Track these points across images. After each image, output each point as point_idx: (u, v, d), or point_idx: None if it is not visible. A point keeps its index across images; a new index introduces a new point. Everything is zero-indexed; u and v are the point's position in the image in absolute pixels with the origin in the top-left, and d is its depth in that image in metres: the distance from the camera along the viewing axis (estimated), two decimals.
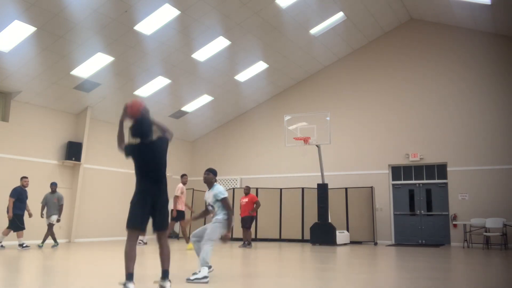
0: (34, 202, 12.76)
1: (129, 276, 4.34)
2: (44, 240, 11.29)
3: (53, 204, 11.40)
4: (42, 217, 11.44)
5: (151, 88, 14.34)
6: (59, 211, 11.46)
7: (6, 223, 12.04)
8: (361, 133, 15.49)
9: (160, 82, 14.21)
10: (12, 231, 10.66)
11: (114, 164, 15.22)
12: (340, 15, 13.68)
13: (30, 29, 10.48)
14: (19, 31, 10.50)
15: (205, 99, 16.04)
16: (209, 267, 5.60)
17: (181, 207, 11.09)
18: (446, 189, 14.05)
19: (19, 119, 12.68)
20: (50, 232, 11.32)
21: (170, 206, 10.44)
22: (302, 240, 14.31)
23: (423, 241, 14.14)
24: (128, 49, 12.15)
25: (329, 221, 13.17)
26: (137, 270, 6.19)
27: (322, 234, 12.79)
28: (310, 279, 5.97)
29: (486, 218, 12.55)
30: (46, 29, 10.57)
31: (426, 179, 14.52)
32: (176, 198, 11.02)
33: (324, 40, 14.71)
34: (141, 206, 4.57)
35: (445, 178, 14.14)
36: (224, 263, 7.86)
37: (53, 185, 11.61)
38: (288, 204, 14.87)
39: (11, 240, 11.15)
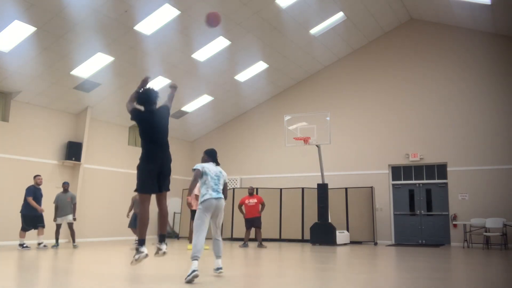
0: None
1: (142, 242, 4.69)
2: (74, 239, 11.25)
3: (66, 203, 11.32)
4: (54, 220, 11.28)
5: None
6: (74, 210, 11.44)
7: (6, 223, 12.06)
8: (361, 133, 15.49)
9: (160, 82, 14.20)
10: (42, 228, 10.67)
11: (114, 164, 15.22)
12: (340, 15, 13.68)
13: (30, 29, 10.48)
14: (19, 31, 10.50)
15: (205, 99, 16.04)
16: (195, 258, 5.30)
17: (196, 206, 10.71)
18: (446, 189, 14.05)
19: (19, 119, 12.68)
20: (72, 231, 11.28)
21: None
22: (302, 240, 14.31)
23: (423, 241, 14.14)
24: (128, 49, 12.15)
25: (329, 221, 13.17)
26: (137, 271, 6.17)
27: (322, 234, 12.79)
28: (310, 279, 5.97)
29: (486, 218, 12.55)
30: (46, 29, 10.57)
31: (426, 179, 14.52)
32: (196, 196, 10.40)
33: (324, 40, 14.71)
34: (149, 171, 4.79)
35: (445, 178, 14.14)
36: (225, 264, 7.86)
37: (65, 184, 11.56)
38: (288, 204, 14.87)
39: (32, 239, 11.08)
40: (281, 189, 15.20)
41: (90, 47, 11.63)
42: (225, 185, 5.87)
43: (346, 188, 14.42)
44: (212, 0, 11.34)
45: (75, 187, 13.82)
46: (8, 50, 10.90)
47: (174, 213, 16.50)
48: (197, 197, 9.89)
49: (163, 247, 4.97)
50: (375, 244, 13.70)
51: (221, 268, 5.73)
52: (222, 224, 5.91)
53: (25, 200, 10.57)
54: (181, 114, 16.45)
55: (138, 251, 4.59)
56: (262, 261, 8.25)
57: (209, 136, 18.56)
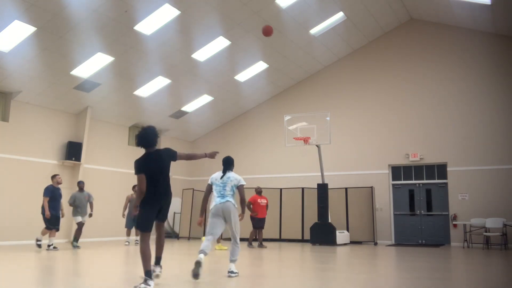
0: (34, 202, 12.76)
1: (148, 273, 4.76)
2: (77, 239, 11.19)
3: (84, 202, 11.30)
4: (81, 219, 11.31)
5: (151, 88, 14.33)
6: (91, 207, 11.57)
7: (6, 223, 12.06)
8: (361, 133, 15.49)
9: (160, 82, 14.21)
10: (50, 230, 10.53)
11: (114, 164, 15.22)
12: (340, 15, 13.68)
13: (30, 29, 10.48)
14: (19, 31, 10.50)
15: (205, 99, 16.03)
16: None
17: None
18: (446, 189, 14.05)
19: (19, 119, 12.67)
20: (80, 231, 11.26)
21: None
22: (302, 240, 14.31)
23: (423, 241, 14.14)
24: (128, 49, 12.15)
25: (329, 221, 13.17)
26: (133, 270, 6.18)
27: (322, 234, 12.79)
28: (310, 279, 5.97)
29: (486, 218, 12.55)
30: (46, 29, 10.57)
31: (426, 179, 14.52)
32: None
33: (324, 40, 14.71)
34: (151, 211, 5.06)
35: (445, 178, 14.14)
36: (224, 263, 7.87)
37: (81, 183, 11.53)
38: (288, 204, 14.87)
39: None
40: (281, 189, 15.19)
41: (90, 47, 11.62)
42: (239, 188, 6.25)
43: (346, 188, 14.42)
44: (212, 0, 11.34)
45: (75, 187, 13.80)
46: (8, 50, 10.90)
47: (174, 213, 16.50)
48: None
49: (157, 269, 5.22)
50: (375, 244, 13.70)
51: (231, 272, 5.94)
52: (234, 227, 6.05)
53: (50, 200, 10.31)
54: (181, 114, 16.45)
55: (146, 282, 4.71)
56: (263, 261, 8.25)
57: (209, 136, 18.56)
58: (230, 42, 13.23)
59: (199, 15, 11.70)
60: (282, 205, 14.92)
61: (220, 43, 13.20)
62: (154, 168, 5.18)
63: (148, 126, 5.47)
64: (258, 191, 12.56)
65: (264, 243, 12.52)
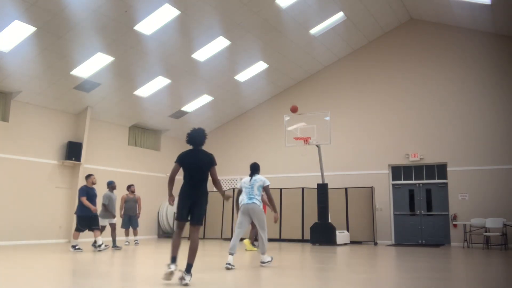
0: (34, 202, 12.77)
1: (173, 259, 5.19)
2: (115, 240, 11.08)
3: (115, 203, 11.32)
4: (122, 219, 11.36)
5: (151, 88, 14.33)
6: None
7: (6, 223, 12.06)
8: (361, 133, 15.49)
9: (160, 82, 14.21)
10: (100, 230, 10.45)
11: (114, 164, 15.22)
12: (340, 15, 13.68)
13: (30, 29, 10.48)
14: (19, 31, 10.50)
15: (205, 99, 16.03)
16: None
17: None
18: (446, 189, 14.05)
19: (19, 119, 12.67)
20: (114, 232, 11.23)
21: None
22: (302, 240, 14.31)
23: (423, 241, 14.14)
24: (128, 49, 12.15)
25: (329, 221, 13.17)
26: (141, 270, 6.19)
27: (322, 234, 12.79)
28: (310, 279, 5.97)
29: (486, 218, 12.55)
30: (46, 29, 10.57)
31: (426, 179, 14.52)
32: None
33: (324, 40, 14.71)
34: (183, 202, 5.52)
35: (445, 178, 14.14)
36: (225, 263, 7.87)
37: (114, 184, 11.49)
38: (288, 204, 14.86)
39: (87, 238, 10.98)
40: (281, 189, 15.19)
41: (90, 47, 11.62)
42: (265, 188, 7.31)
43: (346, 188, 14.42)
44: (212, 0, 11.34)
45: (75, 187, 13.81)
46: (8, 50, 10.90)
47: (174, 213, 16.47)
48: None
49: (187, 278, 5.08)
50: (375, 244, 13.69)
51: (262, 262, 7.15)
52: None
53: (80, 200, 10.15)
54: (181, 114, 16.45)
55: (168, 266, 5.16)
56: (184, 269, 8.23)
57: (209, 136, 18.21)
58: (230, 42, 13.23)
59: (199, 15, 11.70)
60: (282, 205, 14.91)
61: (220, 43, 13.19)
62: (191, 163, 5.64)
63: (199, 127, 6.03)
64: None
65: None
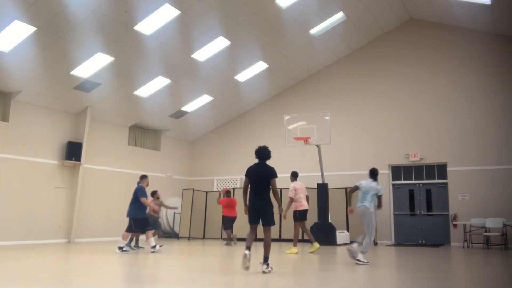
0: (34, 202, 12.77)
1: (248, 248, 6.27)
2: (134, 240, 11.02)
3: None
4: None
5: (151, 88, 14.34)
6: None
7: (6, 223, 12.06)
8: (361, 133, 15.49)
9: (160, 82, 14.21)
10: (155, 231, 10.40)
11: (114, 164, 15.22)
12: (340, 15, 13.68)
13: (30, 29, 10.48)
14: (19, 31, 10.50)
15: (205, 99, 16.04)
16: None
17: (299, 206, 10.27)
18: (446, 189, 14.05)
19: (19, 119, 12.68)
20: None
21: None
22: (302, 240, 14.30)
23: (423, 241, 14.14)
24: (128, 49, 12.15)
25: (329, 221, 13.16)
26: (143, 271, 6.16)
27: (322, 234, 12.78)
28: (310, 279, 5.97)
29: (486, 218, 12.55)
30: (46, 29, 10.57)
31: (426, 179, 14.52)
32: (290, 199, 10.29)
33: (324, 40, 14.71)
34: (252, 208, 6.57)
35: (445, 178, 14.14)
36: (224, 264, 7.87)
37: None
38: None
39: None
40: (281, 189, 15.15)
41: (90, 47, 11.62)
42: (377, 195, 8.12)
43: (346, 188, 14.41)
44: (212, 0, 11.34)
45: (75, 187, 13.83)
46: (8, 50, 10.90)
47: (174, 213, 16.50)
48: (291, 200, 10.34)
49: (263, 267, 6.37)
50: (375, 244, 13.69)
51: (359, 260, 7.65)
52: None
53: (135, 202, 9.88)
54: (181, 114, 16.45)
55: (244, 251, 6.21)
56: (262, 261, 8.24)
57: (209, 136, 18.56)
58: (230, 42, 13.23)
59: (199, 15, 11.70)
60: (282, 205, 14.88)
61: (220, 43, 13.20)
62: (255, 175, 6.67)
63: (264, 145, 6.94)
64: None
65: (254, 244, 12.52)
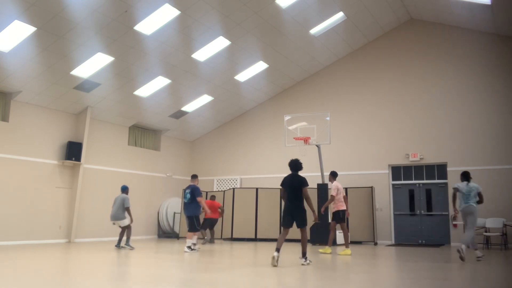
0: (34, 202, 12.78)
1: (277, 249, 7.31)
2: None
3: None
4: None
5: (151, 88, 14.34)
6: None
7: (6, 223, 12.07)
8: (361, 133, 15.49)
9: (160, 82, 14.21)
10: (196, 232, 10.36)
11: (114, 164, 15.23)
12: (340, 15, 13.68)
13: (30, 29, 10.48)
14: (19, 31, 10.51)
15: (205, 99, 16.04)
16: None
17: (341, 206, 10.23)
18: (446, 189, 14.04)
19: (19, 119, 12.68)
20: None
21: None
22: (299, 240, 14.28)
23: (423, 241, 14.14)
24: (128, 49, 12.15)
25: (329, 221, 13.15)
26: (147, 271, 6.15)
27: (322, 234, 12.78)
28: (310, 279, 5.97)
29: (486, 218, 12.55)
30: (46, 29, 10.57)
31: (426, 179, 14.52)
32: (332, 197, 10.21)
33: (324, 40, 14.71)
34: (286, 213, 7.77)
35: (445, 178, 14.14)
36: (224, 264, 7.87)
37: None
38: None
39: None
40: (281, 189, 15.16)
41: (90, 47, 11.63)
42: (479, 193, 8.97)
43: (346, 188, 14.39)
44: (212, 0, 11.34)
45: (75, 187, 13.83)
46: (8, 50, 10.90)
47: (174, 213, 16.50)
48: (332, 198, 10.32)
49: (301, 261, 7.62)
50: (375, 244, 13.69)
51: (478, 257, 8.52)
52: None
53: (194, 201, 10.06)
54: (181, 114, 16.45)
55: (274, 253, 7.29)
56: (262, 261, 8.25)
57: (209, 136, 18.56)
58: (230, 42, 13.24)
59: (199, 15, 11.71)
60: (282, 205, 14.89)
61: (220, 43, 13.20)
62: (288, 185, 7.86)
63: (296, 159, 8.08)
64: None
65: (264, 243, 12.52)
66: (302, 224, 7.69)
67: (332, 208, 10.53)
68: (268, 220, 14.80)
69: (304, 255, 7.62)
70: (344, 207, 10.32)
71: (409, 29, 15.31)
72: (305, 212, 7.74)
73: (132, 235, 12.54)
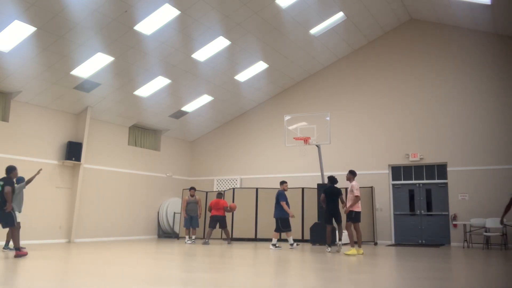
0: (34, 202, 12.77)
1: (331, 243, 10.31)
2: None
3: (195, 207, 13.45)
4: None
5: (151, 88, 14.34)
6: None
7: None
8: (361, 133, 15.49)
9: (160, 82, 14.21)
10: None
11: (114, 164, 15.23)
12: (340, 15, 13.68)
13: (30, 29, 10.48)
14: (19, 31, 10.50)
15: (205, 99, 16.04)
16: None
17: (356, 207, 10.09)
18: (446, 189, 14.05)
19: (19, 119, 12.68)
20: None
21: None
22: (302, 240, 14.31)
23: (423, 241, 14.14)
24: (128, 49, 12.15)
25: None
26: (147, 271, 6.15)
27: (322, 234, 12.78)
28: (310, 279, 5.97)
29: (486, 218, 12.54)
30: (46, 29, 10.57)
31: (426, 179, 14.52)
32: (357, 198, 10.01)
33: (324, 40, 14.71)
34: (326, 214, 10.55)
35: (445, 178, 14.14)
36: (224, 264, 7.87)
37: (193, 190, 13.70)
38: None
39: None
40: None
41: (90, 47, 11.63)
42: None
43: (346, 188, 14.38)
44: (212, 0, 11.34)
45: (75, 187, 13.83)
46: (8, 50, 10.90)
47: (174, 213, 16.50)
48: (358, 198, 9.99)
49: (328, 249, 10.32)
50: (375, 244, 13.69)
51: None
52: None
53: (280, 204, 11.57)
54: (181, 114, 16.45)
55: (335, 244, 10.33)
56: (262, 261, 8.25)
57: (209, 136, 18.56)
58: (230, 42, 13.24)
59: (199, 15, 11.71)
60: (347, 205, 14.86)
61: (220, 43, 13.20)
62: (329, 194, 10.63)
63: (332, 175, 10.97)
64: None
65: (264, 243, 12.52)
66: (339, 221, 10.62)
67: (342, 207, 10.65)
68: (268, 220, 14.77)
69: (339, 239, 10.51)
70: (359, 209, 10.09)
71: (409, 29, 15.31)
72: (340, 213, 10.59)
73: (132, 235, 12.53)
